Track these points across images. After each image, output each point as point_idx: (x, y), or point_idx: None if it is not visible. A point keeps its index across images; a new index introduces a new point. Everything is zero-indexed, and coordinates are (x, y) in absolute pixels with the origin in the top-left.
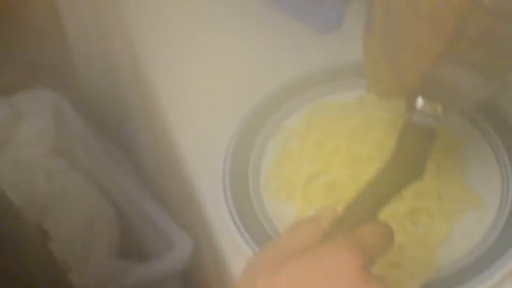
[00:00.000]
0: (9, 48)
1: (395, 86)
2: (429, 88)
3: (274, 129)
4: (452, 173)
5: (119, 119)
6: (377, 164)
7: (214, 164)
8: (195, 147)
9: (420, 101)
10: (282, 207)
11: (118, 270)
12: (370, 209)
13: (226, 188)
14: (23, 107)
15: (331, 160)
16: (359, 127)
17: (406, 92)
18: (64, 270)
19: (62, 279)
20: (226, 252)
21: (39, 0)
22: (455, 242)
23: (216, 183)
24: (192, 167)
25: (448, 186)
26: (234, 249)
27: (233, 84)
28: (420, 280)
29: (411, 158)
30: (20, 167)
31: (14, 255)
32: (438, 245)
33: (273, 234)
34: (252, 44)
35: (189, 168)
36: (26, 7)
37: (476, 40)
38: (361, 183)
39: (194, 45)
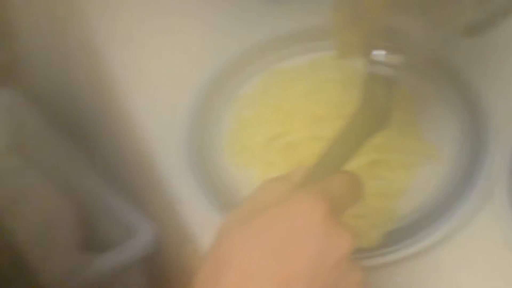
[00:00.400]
0: None
1: (357, 41)
2: (386, 39)
3: (229, 98)
4: (408, 126)
5: (74, 112)
6: (334, 122)
7: (173, 139)
8: (153, 124)
9: (379, 53)
10: (244, 173)
11: (82, 263)
12: (339, 161)
13: (187, 161)
14: None
15: (288, 122)
16: (313, 88)
17: (366, 46)
18: (28, 267)
19: (27, 276)
20: (194, 226)
21: None
22: (415, 192)
23: (177, 158)
24: (152, 144)
25: (405, 139)
26: (202, 222)
27: (186, 61)
28: (382, 230)
29: (376, 107)
30: None
31: None
32: (399, 196)
33: (239, 201)
34: (201, 19)
35: (148, 145)
36: None
37: None
38: (319, 142)
39: (144, 28)
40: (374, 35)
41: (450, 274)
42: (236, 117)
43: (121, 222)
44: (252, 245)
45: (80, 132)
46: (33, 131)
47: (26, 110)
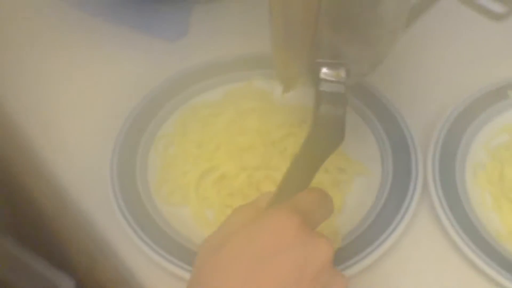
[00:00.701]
0: None
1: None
2: (325, 56)
3: (151, 139)
4: None
5: None
6: (260, 150)
7: (98, 185)
8: (77, 175)
9: (323, 70)
10: (179, 211)
11: None
12: (302, 183)
13: (120, 206)
14: None
15: (215, 156)
16: (233, 120)
17: (306, 69)
18: None
19: None
20: (133, 270)
21: None
22: (351, 209)
23: (105, 205)
24: (79, 194)
25: (331, 159)
26: (142, 267)
27: (101, 106)
28: None
29: (330, 125)
30: None
31: None
32: (337, 215)
33: (178, 239)
34: (108, 63)
35: (71, 194)
36: None
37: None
38: (250, 171)
39: (48, 75)
40: (313, 56)
41: (399, 285)
42: (161, 155)
43: (40, 277)
44: (230, 266)
45: None
46: None
47: None
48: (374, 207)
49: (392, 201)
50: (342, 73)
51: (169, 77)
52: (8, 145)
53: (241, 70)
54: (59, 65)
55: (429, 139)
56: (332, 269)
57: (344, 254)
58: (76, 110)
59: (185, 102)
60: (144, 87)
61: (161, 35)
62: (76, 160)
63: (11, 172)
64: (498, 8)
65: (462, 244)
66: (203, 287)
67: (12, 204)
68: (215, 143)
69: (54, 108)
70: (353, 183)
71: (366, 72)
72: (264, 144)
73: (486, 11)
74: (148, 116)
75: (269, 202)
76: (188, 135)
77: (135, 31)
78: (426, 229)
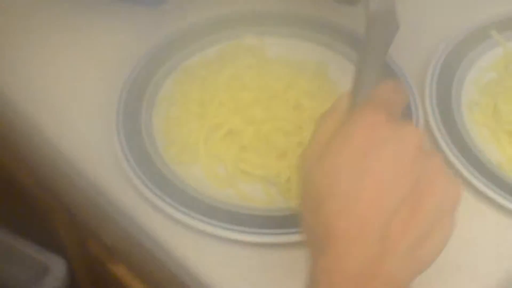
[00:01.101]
0: None
1: None
2: None
3: (151, 102)
4: (330, 93)
5: None
6: (265, 104)
7: (111, 158)
8: (82, 147)
9: None
10: (190, 169)
11: None
12: (372, 77)
13: (133, 168)
14: None
15: (220, 113)
16: (232, 76)
17: None
18: None
19: None
20: (164, 238)
21: None
22: None
23: (118, 171)
24: (87, 165)
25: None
26: (160, 227)
27: (96, 72)
28: None
29: (384, 17)
30: None
31: None
32: None
33: (197, 195)
34: (96, 35)
35: (79, 162)
36: None
37: None
38: (257, 125)
39: (43, 51)
40: None
41: None
42: (164, 118)
43: (31, 261)
44: (338, 168)
45: None
46: None
47: None
48: None
49: None
50: None
51: (160, 41)
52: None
53: (231, 28)
54: (49, 42)
55: (422, 82)
56: (425, 150)
57: None
58: (73, 84)
59: (179, 64)
60: (134, 54)
61: (142, 3)
62: (79, 132)
63: None
64: None
65: (468, 174)
66: (320, 195)
67: None
68: (217, 100)
69: (51, 84)
70: None
71: None
72: (266, 97)
73: None
74: (144, 81)
75: (348, 104)
76: (188, 95)
77: (117, 2)
78: None
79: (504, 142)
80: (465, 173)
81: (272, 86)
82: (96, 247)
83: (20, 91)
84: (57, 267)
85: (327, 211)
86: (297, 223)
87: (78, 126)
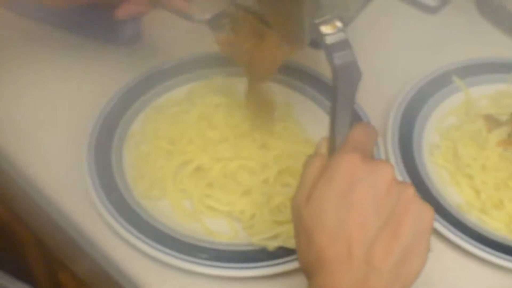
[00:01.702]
0: None
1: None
2: (318, 16)
3: (123, 137)
4: (296, 133)
5: None
6: (233, 142)
7: (81, 190)
8: (53, 177)
9: (322, 27)
10: (158, 203)
11: None
12: (344, 122)
13: (103, 202)
14: None
15: (188, 150)
16: (201, 115)
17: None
18: None
19: None
20: (130, 270)
21: None
22: None
23: (87, 202)
24: (57, 196)
25: (297, 145)
26: (126, 256)
27: (69, 113)
28: None
29: (348, 67)
30: None
31: None
32: None
33: (163, 229)
34: (69, 73)
35: (60, 205)
36: None
37: None
38: (225, 162)
39: (18, 84)
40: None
41: None
42: (134, 154)
43: None
44: (323, 207)
45: None
46: None
47: None
48: None
49: None
50: (338, 23)
51: (132, 78)
52: None
53: (201, 68)
54: (25, 75)
55: (385, 126)
56: (398, 182)
57: None
58: (46, 117)
59: (150, 101)
60: (108, 91)
61: (117, 42)
62: (51, 164)
63: None
64: (430, 2)
65: None
66: (310, 231)
67: None
68: (186, 138)
69: (25, 116)
70: None
71: (354, 15)
72: (234, 136)
73: (420, 5)
74: (116, 116)
75: (327, 147)
76: (159, 132)
77: (90, 38)
78: None
79: (463, 184)
80: None
81: (240, 125)
82: (67, 278)
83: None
84: None
85: (317, 243)
86: (258, 258)
87: (50, 158)
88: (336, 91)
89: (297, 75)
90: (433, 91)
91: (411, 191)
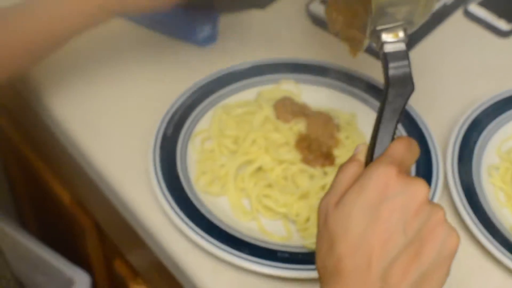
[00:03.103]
0: None
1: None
2: (382, 23)
3: (189, 134)
4: (358, 143)
5: None
6: (292, 145)
7: (144, 182)
8: (123, 174)
9: (383, 35)
10: (217, 200)
11: None
12: (388, 133)
13: (164, 195)
14: None
15: (251, 151)
16: (267, 118)
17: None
18: None
19: None
20: (177, 259)
21: None
22: None
23: (151, 195)
24: (120, 187)
25: None
26: (186, 254)
27: (140, 108)
28: None
29: (401, 79)
30: None
31: None
32: None
33: (220, 225)
34: (146, 68)
35: (116, 189)
36: None
37: None
38: (285, 165)
39: (95, 83)
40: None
41: None
42: (199, 150)
43: (58, 273)
44: (351, 215)
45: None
46: None
47: None
48: None
49: None
50: (400, 33)
51: (204, 78)
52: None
53: (270, 73)
54: (99, 70)
55: (446, 143)
56: (430, 203)
57: None
58: (118, 114)
59: (218, 101)
60: (178, 89)
61: (194, 41)
62: (119, 157)
63: (33, 168)
64: (503, 25)
65: (481, 237)
66: (333, 237)
67: (34, 200)
68: (250, 138)
69: (99, 112)
70: None
71: (416, 26)
72: (295, 139)
73: (493, 28)
74: (184, 113)
75: (366, 155)
76: (224, 131)
77: (170, 37)
78: None
79: None
80: (476, 232)
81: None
82: (122, 267)
83: (72, 118)
84: (82, 282)
85: (338, 251)
86: (309, 260)
87: (118, 149)
88: (385, 100)
89: (362, 85)
90: (497, 113)
91: (441, 214)
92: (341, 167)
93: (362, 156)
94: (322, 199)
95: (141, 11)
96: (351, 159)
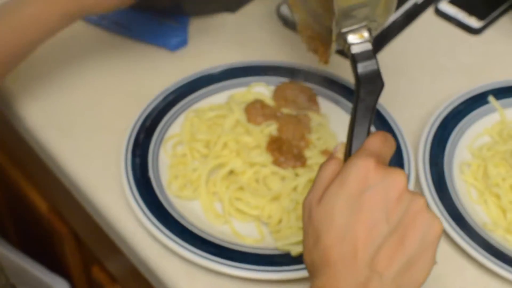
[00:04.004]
0: None
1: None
2: (345, 25)
3: (161, 138)
4: (330, 144)
5: None
6: (264, 148)
7: (117, 188)
8: (89, 171)
9: (349, 36)
10: (190, 204)
11: None
12: (363, 129)
13: (136, 200)
14: None
15: (223, 154)
16: (238, 121)
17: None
18: None
19: None
20: (158, 268)
21: None
22: None
23: (125, 204)
24: (90, 190)
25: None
26: (156, 255)
27: (111, 113)
28: None
29: (371, 77)
30: None
31: None
32: None
33: (193, 229)
34: (115, 72)
35: (96, 201)
36: None
37: None
38: (257, 167)
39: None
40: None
41: None
42: (170, 155)
43: (35, 282)
44: (334, 209)
45: None
46: None
47: None
48: None
49: None
50: (365, 34)
51: (175, 83)
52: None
53: (241, 76)
54: (74, 78)
55: (418, 142)
56: (410, 191)
57: None
58: (90, 118)
59: (190, 105)
60: (150, 93)
61: (165, 45)
62: (92, 164)
63: (10, 178)
64: (474, 23)
65: (453, 233)
66: (318, 230)
67: (12, 209)
68: (222, 142)
69: (70, 118)
70: None
71: (381, 26)
72: (266, 143)
73: (464, 26)
74: (156, 117)
75: (344, 152)
76: (196, 135)
77: (140, 41)
78: None
79: (490, 203)
80: (449, 230)
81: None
82: (100, 273)
83: (42, 125)
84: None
85: (324, 243)
86: (283, 262)
87: (90, 155)
88: (357, 99)
89: (333, 86)
90: (469, 110)
91: (422, 201)
92: (321, 166)
93: (340, 154)
94: (305, 197)
95: (101, 12)
96: (330, 158)
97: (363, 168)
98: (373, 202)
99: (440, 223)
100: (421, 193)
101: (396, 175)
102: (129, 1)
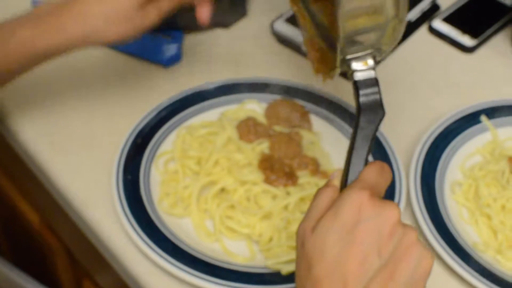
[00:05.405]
0: None
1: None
2: (351, 52)
3: (152, 155)
4: (322, 163)
5: None
6: (255, 166)
7: (108, 204)
8: (87, 196)
9: (354, 63)
10: (181, 221)
11: None
12: (361, 157)
13: (127, 217)
14: None
15: (214, 172)
16: (230, 139)
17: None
18: None
19: None
20: (148, 284)
21: None
22: None
23: (116, 220)
24: (86, 210)
25: (321, 175)
26: (146, 271)
27: (104, 129)
28: None
29: (372, 105)
30: None
31: None
32: None
33: (184, 247)
34: (109, 88)
35: (87, 216)
36: None
37: None
38: (248, 185)
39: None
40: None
41: None
42: (162, 172)
43: None
44: (326, 239)
45: None
46: None
47: None
48: None
49: None
50: (370, 61)
51: (168, 99)
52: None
53: (233, 93)
54: (67, 92)
55: (409, 160)
56: (403, 224)
57: None
58: (83, 133)
59: (182, 122)
60: (143, 109)
61: (158, 61)
62: (83, 179)
63: (2, 191)
64: (467, 41)
65: (444, 253)
66: (311, 260)
67: (4, 223)
68: (213, 159)
69: (63, 133)
70: None
71: (385, 53)
72: (258, 160)
73: (457, 44)
74: (148, 134)
75: (341, 180)
76: (187, 152)
77: (134, 57)
78: None
79: (481, 224)
80: (440, 250)
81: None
82: (91, 287)
83: (35, 139)
84: None
85: (315, 274)
86: (273, 281)
87: (82, 172)
88: (357, 127)
89: (326, 105)
90: (461, 129)
91: (413, 235)
92: (317, 192)
93: (337, 181)
94: (300, 225)
95: (105, 44)
96: (327, 185)
97: (357, 201)
98: (366, 235)
99: (431, 258)
100: (413, 226)
101: (390, 209)
102: (132, 36)
